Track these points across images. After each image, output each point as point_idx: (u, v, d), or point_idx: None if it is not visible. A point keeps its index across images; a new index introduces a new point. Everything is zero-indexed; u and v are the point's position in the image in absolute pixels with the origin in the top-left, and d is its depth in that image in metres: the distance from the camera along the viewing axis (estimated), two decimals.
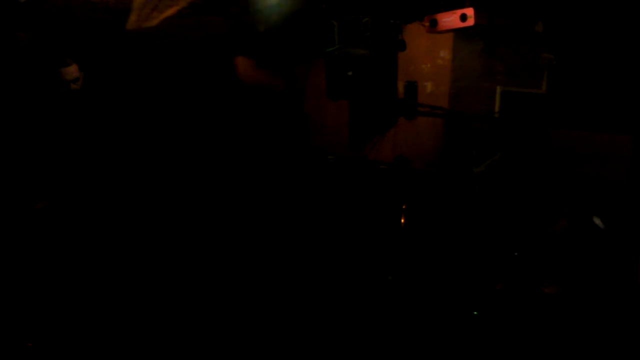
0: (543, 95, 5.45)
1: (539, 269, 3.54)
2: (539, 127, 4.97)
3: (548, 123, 5.04)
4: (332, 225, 4.11)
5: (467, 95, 5.32)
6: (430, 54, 5.37)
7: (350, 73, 4.48)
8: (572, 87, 5.30)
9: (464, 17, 4.63)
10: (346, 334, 3.42)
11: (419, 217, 3.81)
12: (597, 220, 3.76)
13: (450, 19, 4.74)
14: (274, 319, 1.47)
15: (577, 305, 3.35)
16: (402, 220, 3.54)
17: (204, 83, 1.29)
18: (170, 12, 1.38)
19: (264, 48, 1.46)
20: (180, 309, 1.31)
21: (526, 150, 4.58)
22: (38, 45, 3.95)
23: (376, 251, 3.87)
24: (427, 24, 4.87)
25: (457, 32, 5.00)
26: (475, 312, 3.36)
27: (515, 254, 3.54)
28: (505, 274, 3.54)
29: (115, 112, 1.28)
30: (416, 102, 4.28)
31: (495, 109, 5.25)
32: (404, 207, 3.53)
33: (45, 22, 4.25)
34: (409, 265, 3.66)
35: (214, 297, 1.35)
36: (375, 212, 4.11)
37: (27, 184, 3.04)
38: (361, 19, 4.67)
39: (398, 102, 4.57)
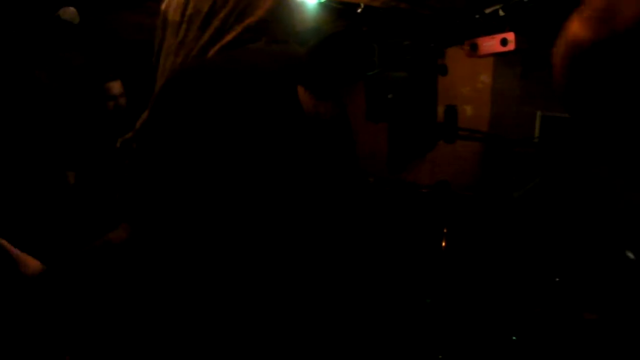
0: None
1: (580, 296, 3.51)
2: (579, 153, 4.93)
3: (586, 149, 5.00)
4: (374, 247, 4.12)
5: (507, 119, 5.31)
6: (470, 78, 5.38)
7: (390, 96, 4.51)
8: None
9: (504, 42, 4.64)
10: (383, 356, 3.42)
11: (459, 241, 3.80)
12: (629, 254, 3.72)
13: (490, 43, 4.74)
14: (315, 338, 1.47)
15: (617, 333, 3.31)
16: (443, 244, 3.54)
17: (270, 111, 1.30)
18: (226, 40, 1.40)
19: (313, 73, 1.48)
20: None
21: (566, 175, 4.54)
22: (87, 64, 4.08)
23: (416, 273, 3.87)
24: (467, 47, 4.88)
25: (498, 56, 5.00)
26: (514, 337, 3.34)
27: (557, 279, 3.51)
28: (546, 299, 3.51)
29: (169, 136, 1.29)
30: (456, 126, 4.28)
31: (535, 134, 5.23)
32: (445, 230, 3.53)
33: (94, 42, 4.39)
34: (448, 289, 3.65)
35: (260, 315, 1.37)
36: (416, 234, 4.12)
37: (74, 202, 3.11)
38: (402, 42, 4.71)
39: (438, 126, 4.58)
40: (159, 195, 1.26)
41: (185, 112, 1.27)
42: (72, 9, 3.08)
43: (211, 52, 1.37)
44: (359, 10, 4.54)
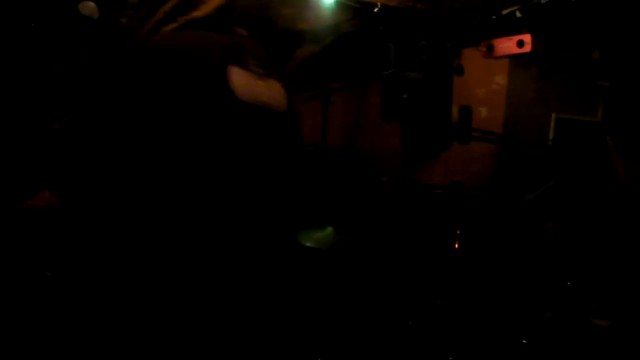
0: (598, 123, 5.39)
1: (591, 300, 3.51)
2: (594, 155, 4.92)
3: (602, 151, 4.98)
4: (387, 246, 4.13)
5: (521, 121, 5.29)
6: (486, 79, 5.37)
7: (405, 96, 4.51)
8: (628, 115, 5.24)
9: (521, 43, 4.62)
10: (392, 356, 3.43)
11: (472, 243, 3.80)
12: None
13: (507, 45, 4.73)
14: (329, 338, 1.48)
15: (629, 339, 3.31)
16: (456, 245, 3.54)
17: (193, 92, 1.31)
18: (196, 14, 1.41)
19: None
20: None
21: (580, 178, 4.53)
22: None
23: (428, 275, 3.88)
24: (483, 49, 4.87)
25: (513, 57, 4.99)
26: (524, 341, 3.34)
27: (568, 283, 3.51)
28: (556, 303, 3.51)
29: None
30: (470, 127, 4.27)
31: (550, 136, 5.22)
32: (458, 232, 3.53)
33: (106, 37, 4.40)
34: (459, 291, 3.66)
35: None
36: (428, 235, 4.12)
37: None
38: (418, 42, 4.70)
39: (452, 126, 4.57)
40: (89, 171, 1.27)
41: (115, 93, 1.28)
42: (91, 3, 3.11)
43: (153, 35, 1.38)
44: (375, 10, 4.53)
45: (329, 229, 3.32)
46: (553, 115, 5.31)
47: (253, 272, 1.45)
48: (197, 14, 1.40)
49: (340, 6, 4.43)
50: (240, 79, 1.38)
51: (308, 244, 3.01)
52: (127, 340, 1.29)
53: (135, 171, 1.26)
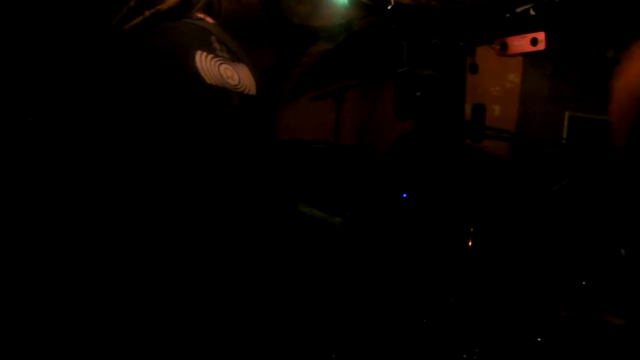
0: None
1: (607, 299, 3.49)
2: (607, 154, 4.89)
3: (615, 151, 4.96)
4: (402, 245, 4.13)
5: (535, 119, 5.27)
6: (499, 77, 5.35)
7: (418, 93, 4.50)
8: None
9: (534, 41, 4.60)
10: (405, 355, 3.43)
11: (487, 241, 3.79)
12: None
13: (520, 43, 4.71)
14: (341, 335, 1.48)
15: None
16: (470, 243, 3.54)
17: (163, 79, 1.32)
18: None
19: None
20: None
21: (595, 177, 4.51)
22: None
23: (442, 272, 3.87)
24: (497, 47, 4.85)
25: (527, 55, 4.96)
26: (539, 339, 3.33)
27: (583, 282, 3.49)
28: (572, 302, 3.49)
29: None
30: (484, 125, 4.26)
31: (563, 134, 5.19)
32: (472, 230, 3.52)
33: None
34: (474, 289, 3.65)
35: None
36: (443, 233, 4.11)
37: None
38: (431, 40, 4.69)
39: (465, 124, 4.56)
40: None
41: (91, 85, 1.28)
42: None
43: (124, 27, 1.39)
44: (389, 7, 4.52)
45: (339, 219, 3.32)
46: (567, 114, 5.29)
47: (247, 267, 1.46)
48: (162, 6, 1.42)
49: (353, 3, 4.42)
50: (207, 64, 1.40)
51: (306, 212, 2.96)
52: (122, 338, 1.29)
53: (108, 164, 1.27)
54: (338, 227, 3.25)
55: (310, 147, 4.99)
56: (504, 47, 4.82)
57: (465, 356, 3.24)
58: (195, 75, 1.36)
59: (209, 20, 1.57)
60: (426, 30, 4.80)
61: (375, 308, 3.69)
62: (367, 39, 5.25)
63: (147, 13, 1.38)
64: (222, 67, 1.44)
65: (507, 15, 4.84)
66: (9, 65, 1.46)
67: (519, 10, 4.77)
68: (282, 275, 1.62)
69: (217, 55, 1.45)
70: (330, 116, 4.66)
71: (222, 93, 1.42)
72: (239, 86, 1.48)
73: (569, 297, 3.54)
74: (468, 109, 4.70)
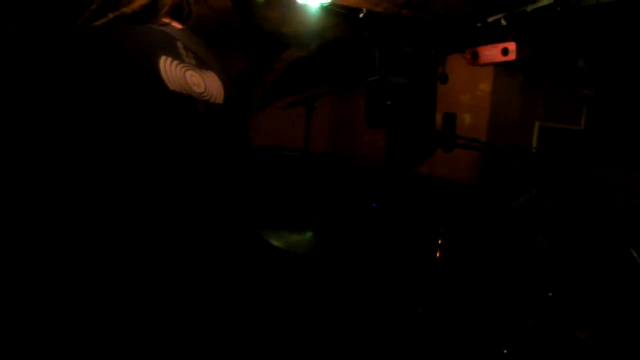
0: (581, 131, 5.42)
1: (573, 311, 3.51)
2: (577, 164, 4.93)
3: (585, 160, 5.00)
4: (367, 253, 4.12)
5: (505, 129, 5.30)
6: (470, 86, 5.38)
7: (389, 102, 4.50)
8: (610, 125, 5.27)
9: (505, 51, 4.64)
10: None
11: (454, 251, 3.80)
12: (634, 253, 3.71)
13: (491, 52, 4.74)
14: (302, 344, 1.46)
15: (610, 352, 3.31)
16: (437, 254, 3.53)
17: (127, 85, 1.29)
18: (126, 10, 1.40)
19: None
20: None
21: (564, 186, 4.54)
22: None
23: (409, 283, 3.86)
24: (468, 56, 4.88)
25: (498, 65, 5.00)
26: (505, 350, 3.33)
27: (550, 294, 3.51)
28: (538, 314, 3.50)
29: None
30: (454, 134, 4.26)
31: (533, 144, 5.23)
32: (439, 241, 3.52)
33: None
34: (441, 299, 3.65)
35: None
36: (411, 242, 4.11)
37: None
38: (402, 48, 4.70)
39: (436, 133, 4.57)
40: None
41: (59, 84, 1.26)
42: None
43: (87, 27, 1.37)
44: (361, 15, 4.53)
45: (309, 234, 3.28)
46: (537, 124, 5.33)
47: (208, 274, 1.44)
48: (126, 9, 1.39)
49: (326, 11, 4.42)
50: (172, 70, 1.37)
51: (276, 244, 2.94)
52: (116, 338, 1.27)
53: (65, 167, 1.24)
54: (303, 255, 3.22)
55: (282, 153, 4.97)
56: (475, 56, 4.85)
57: None
58: (158, 80, 1.32)
59: (176, 25, 1.54)
60: (398, 38, 4.82)
61: (340, 317, 3.68)
62: (340, 46, 5.25)
63: (110, 15, 1.35)
64: (188, 73, 1.41)
65: (479, 24, 4.87)
66: None
67: (490, 19, 4.81)
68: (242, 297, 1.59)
69: (182, 62, 1.42)
70: (302, 123, 4.65)
71: (186, 100, 1.38)
72: (204, 93, 1.44)
73: (535, 308, 3.55)
74: (439, 117, 4.72)
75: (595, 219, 4.29)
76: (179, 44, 1.46)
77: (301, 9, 4.37)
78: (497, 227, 4.25)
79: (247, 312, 1.56)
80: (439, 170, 5.20)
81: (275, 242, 2.90)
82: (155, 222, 1.31)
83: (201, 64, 1.49)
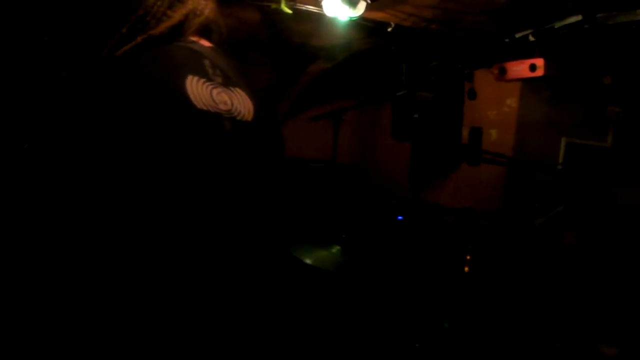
0: (608, 148, 5.38)
1: (600, 329, 3.48)
2: (603, 181, 4.90)
3: (610, 178, 4.97)
4: (395, 268, 4.11)
5: (531, 144, 5.28)
6: (497, 101, 5.36)
7: (416, 115, 4.51)
8: (638, 142, 5.23)
9: (533, 67, 4.62)
10: None
11: (481, 267, 3.78)
12: None
13: (519, 68, 4.73)
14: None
15: None
16: (466, 269, 3.52)
17: (153, 104, 1.31)
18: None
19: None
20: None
21: (590, 203, 4.51)
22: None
23: (436, 298, 3.85)
24: (495, 71, 4.88)
25: (525, 80, 4.99)
26: None
27: (576, 312, 3.49)
28: (565, 333, 3.48)
29: None
30: (480, 149, 4.26)
31: (560, 160, 5.20)
32: (468, 257, 3.51)
33: None
34: (467, 315, 3.63)
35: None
36: (437, 259, 4.10)
37: None
38: (430, 63, 4.71)
39: (462, 148, 4.57)
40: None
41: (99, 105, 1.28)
42: None
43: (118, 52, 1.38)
44: (389, 29, 4.54)
45: (336, 248, 3.28)
46: (563, 140, 5.31)
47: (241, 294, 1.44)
48: (154, 32, 1.41)
49: (354, 24, 4.43)
50: (198, 88, 1.37)
51: (309, 262, 2.95)
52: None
53: (97, 190, 1.26)
54: (332, 272, 3.22)
55: (307, 165, 4.99)
56: (503, 72, 4.84)
57: None
58: (185, 100, 1.33)
59: (204, 43, 1.54)
60: (426, 52, 4.82)
61: (369, 332, 3.67)
62: (366, 60, 5.26)
63: (139, 39, 1.37)
64: (215, 91, 1.41)
65: (507, 40, 4.87)
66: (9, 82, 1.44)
67: (518, 35, 4.80)
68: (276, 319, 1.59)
69: (209, 80, 1.42)
70: (327, 135, 4.66)
71: (214, 118, 1.38)
72: (232, 111, 1.44)
73: (562, 327, 3.53)
74: (465, 132, 4.71)
75: (616, 245, 4.24)
76: (206, 62, 1.46)
77: (330, 22, 4.39)
78: (522, 244, 4.23)
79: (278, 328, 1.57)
80: (464, 185, 5.19)
81: (306, 259, 2.92)
82: (186, 241, 1.32)
83: (229, 81, 1.49)
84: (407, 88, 4.56)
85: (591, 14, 4.11)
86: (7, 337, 1.29)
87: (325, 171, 4.85)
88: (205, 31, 1.55)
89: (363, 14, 4.24)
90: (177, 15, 1.45)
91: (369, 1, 4.15)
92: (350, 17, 4.25)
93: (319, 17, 4.38)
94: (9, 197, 1.28)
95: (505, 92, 5.32)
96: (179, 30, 1.46)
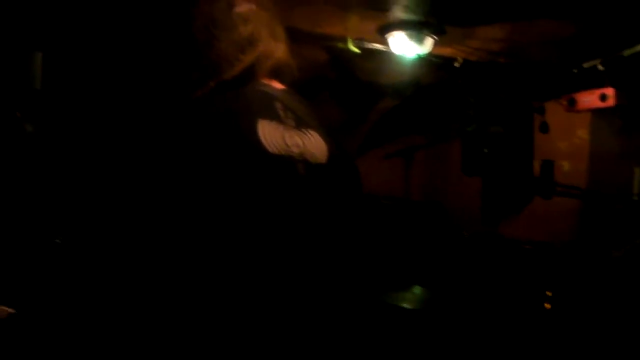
0: None
1: None
2: None
3: None
4: (474, 303, 4.07)
5: (605, 175, 5.18)
6: (568, 133, 5.30)
7: (486, 150, 4.51)
8: None
9: (603, 97, 4.57)
10: None
11: (561, 302, 3.72)
12: None
13: (589, 99, 4.68)
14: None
15: None
16: (547, 306, 3.47)
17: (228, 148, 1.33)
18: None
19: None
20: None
21: None
22: None
23: (516, 334, 3.80)
24: (565, 102, 4.83)
25: (596, 111, 4.92)
26: None
27: None
28: None
29: None
30: (553, 181, 4.22)
31: (635, 191, 5.09)
32: (549, 293, 3.46)
33: None
34: (549, 353, 3.58)
35: None
36: (516, 294, 4.05)
37: None
38: (498, 96, 4.71)
39: (534, 181, 4.53)
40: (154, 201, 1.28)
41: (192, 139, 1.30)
42: None
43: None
44: (457, 65, 4.57)
45: (418, 288, 3.29)
46: (637, 170, 5.20)
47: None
48: (226, 76, 1.43)
49: (421, 61, 4.47)
50: (270, 132, 1.39)
51: (405, 305, 2.99)
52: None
53: (171, 230, 1.28)
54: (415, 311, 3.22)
55: (379, 202, 5.01)
56: (572, 102, 4.80)
57: None
58: (257, 144, 1.35)
59: (276, 85, 1.55)
60: (493, 86, 4.83)
61: None
62: (434, 94, 5.28)
63: (211, 84, 1.40)
64: (287, 134, 1.43)
65: (575, 70, 4.83)
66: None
67: (586, 65, 4.76)
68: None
69: (281, 122, 1.43)
70: (395, 171, 4.68)
71: (287, 162, 1.40)
72: (304, 154, 1.45)
73: None
74: (536, 164, 4.67)
75: None
76: (278, 104, 1.47)
77: (397, 59, 4.44)
78: (600, 277, 4.14)
79: None
80: (538, 219, 5.12)
81: (404, 304, 2.96)
82: (264, 286, 1.33)
83: (301, 124, 1.49)
84: (476, 122, 4.57)
85: None
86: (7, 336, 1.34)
87: (399, 209, 4.86)
88: (277, 73, 1.56)
89: (430, 50, 4.28)
90: (249, 58, 1.47)
91: (436, 38, 4.19)
92: (418, 54, 4.29)
93: (387, 55, 4.43)
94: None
95: (575, 123, 5.25)
96: (251, 73, 1.47)
